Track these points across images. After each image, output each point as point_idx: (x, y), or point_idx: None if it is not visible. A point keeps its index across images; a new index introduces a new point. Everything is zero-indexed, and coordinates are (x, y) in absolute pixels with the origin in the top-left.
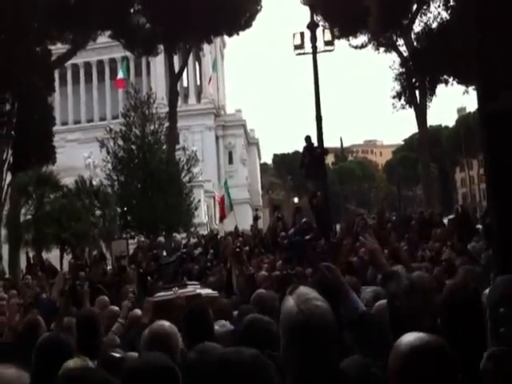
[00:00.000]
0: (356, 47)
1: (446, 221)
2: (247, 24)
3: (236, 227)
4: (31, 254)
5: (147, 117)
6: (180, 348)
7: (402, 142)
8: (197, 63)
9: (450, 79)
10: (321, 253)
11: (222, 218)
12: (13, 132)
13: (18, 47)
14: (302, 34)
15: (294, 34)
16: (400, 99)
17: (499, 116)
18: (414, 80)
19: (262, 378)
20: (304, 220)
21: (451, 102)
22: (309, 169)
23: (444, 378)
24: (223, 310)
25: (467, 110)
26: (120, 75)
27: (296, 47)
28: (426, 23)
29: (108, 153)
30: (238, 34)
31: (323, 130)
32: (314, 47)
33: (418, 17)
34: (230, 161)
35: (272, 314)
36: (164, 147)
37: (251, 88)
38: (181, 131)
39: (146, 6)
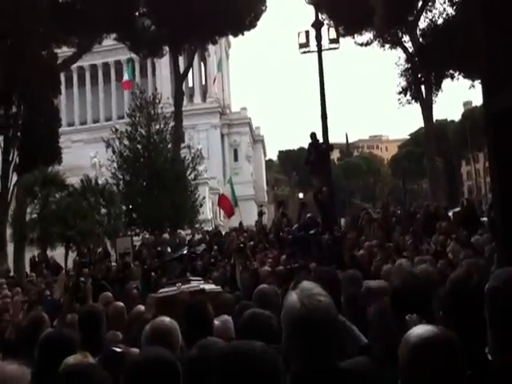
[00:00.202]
0: (361, 44)
1: (451, 214)
2: (252, 24)
3: (241, 223)
4: (36, 252)
5: (152, 117)
6: (180, 344)
7: (408, 137)
8: (202, 63)
9: (456, 74)
10: (326, 247)
11: (230, 215)
12: (19, 133)
13: (24, 50)
14: (306, 33)
15: (298, 33)
16: (406, 95)
17: (504, 113)
18: (419, 75)
19: (271, 370)
20: (309, 215)
21: (457, 96)
22: (314, 165)
23: (453, 370)
24: (226, 304)
25: (473, 104)
26: (126, 77)
27: (301, 46)
28: (431, 19)
29: (114, 152)
30: (242, 34)
31: (328, 127)
32: (319, 45)
33: (424, 13)
34: (236, 158)
35: (273, 309)
36: (169, 146)
37: (257, 86)
38: (186, 130)
39: (151, 8)
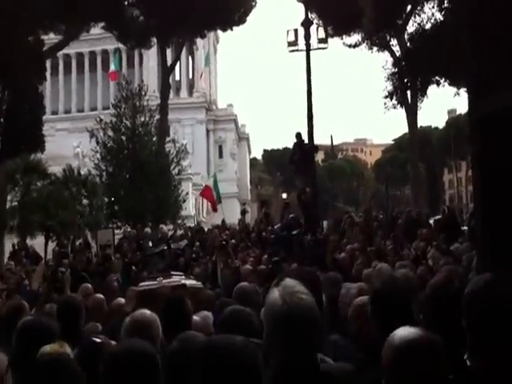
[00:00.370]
0: (349, 46)
1: (432, 221)
2: (241, 20)
3: (223, 220)
4: (15, 241)
5: (138, 108)
6: (160, 338)
7: (392, 142)
8: (190, 57)
9: (442, 80)
10: (308, 248)
11: (214, 206)
12: (2, 119)
13: (9, 36)
14: (295, 31)
15: (287, 31)
16: (392, 99)
17: (488, 119)
18: (406, 80)
19: (251, 364)
20: (291, 215)
21: (442, 104)
22: (298, 165)
23: (436, 373)
24: (207, 301)
25: (457, 112)
26: (112, 67)
27: (289, 44)
28: (419, 24)
29: (97, 143)
30: (231, 30)
31: (314, 128)
32: (308, 44)
33: (412, 17)
34: (220, 155)
35: (254, 307)
36: (154, 139)
37: (244, 83)
38: (171, 124)
39: None
